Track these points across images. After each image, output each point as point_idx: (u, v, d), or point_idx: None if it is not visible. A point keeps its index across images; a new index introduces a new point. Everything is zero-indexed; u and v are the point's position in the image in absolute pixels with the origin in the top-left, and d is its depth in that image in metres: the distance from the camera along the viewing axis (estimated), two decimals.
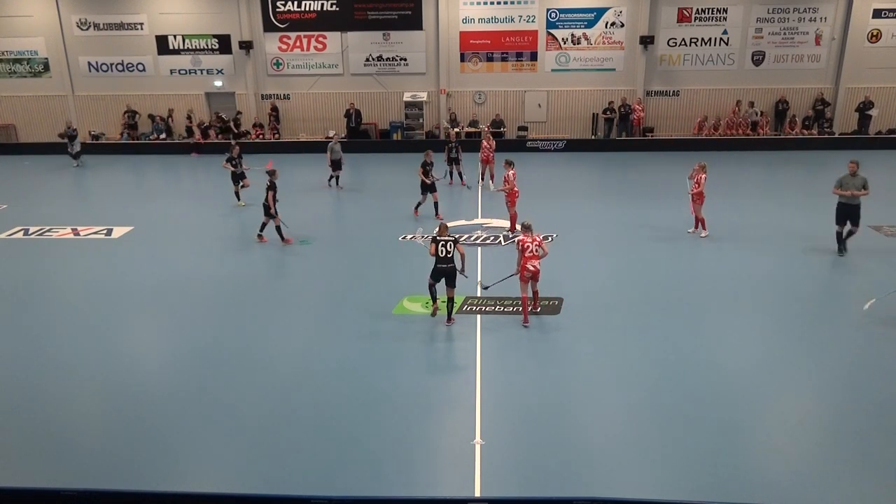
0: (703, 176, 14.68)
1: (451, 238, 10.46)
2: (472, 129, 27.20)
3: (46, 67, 28.34)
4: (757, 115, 26.78)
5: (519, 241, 10.54)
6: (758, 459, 7.26)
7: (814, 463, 7.28)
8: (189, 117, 27.76)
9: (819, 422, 8.13)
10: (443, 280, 10.47)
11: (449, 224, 15.39)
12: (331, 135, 27.69)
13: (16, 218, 17.53)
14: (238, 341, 10.22)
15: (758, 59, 26.89)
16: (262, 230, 14.80)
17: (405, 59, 27.72)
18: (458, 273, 10.43)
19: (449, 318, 10.74)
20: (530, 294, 10.72)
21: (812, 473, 7.06)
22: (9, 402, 8.60)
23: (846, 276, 12.45)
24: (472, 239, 14.99)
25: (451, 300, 10.62)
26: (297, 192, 20.39)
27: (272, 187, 14.35)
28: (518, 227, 13.62)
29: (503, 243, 14.68)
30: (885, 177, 21.79)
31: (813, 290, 11.87)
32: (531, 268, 10.24)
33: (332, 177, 20.29)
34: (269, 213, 14.43)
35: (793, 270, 12.80)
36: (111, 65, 28.28)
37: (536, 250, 10.35)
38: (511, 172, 15.21)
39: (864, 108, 26.10)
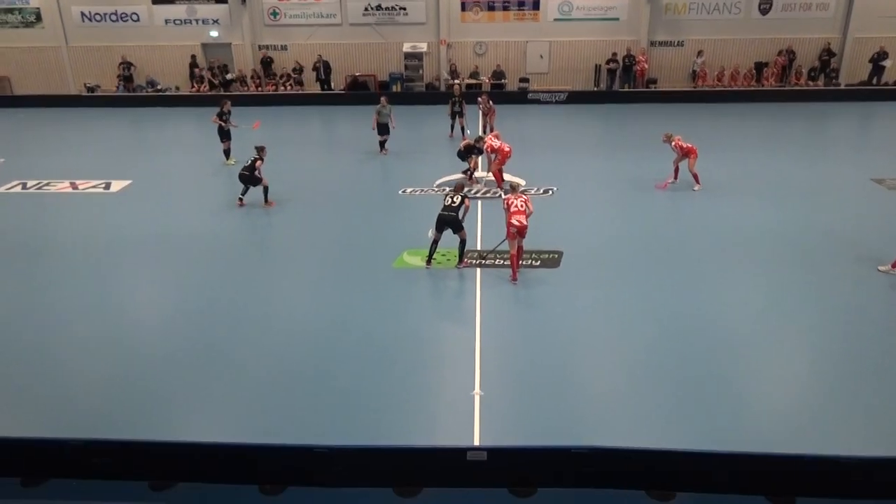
0: (677, 139, 14.68)
1: (461, 194, 10.92)
2: (473, 81, 26.79)
3: (38, 17, 27.80)
4: (697, 64, 26.66)
5: (505, 199, 10.63)
6: (756, 409, 7.35)
7: (813, 412, 7.36)
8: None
9: (818, 371, 8.20)
10: (448, 229, 10.76)
11: (451, 177, 15.43)
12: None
13: (13, 171, 17.41)
14: (238, 295, 10.24)
15: (765, 8, 26.29)
16: (266, 196, 14.25)
17: (404, 9, 27.12)
18: (460, 221, 10.72)
19: (461, 261, 10.99)
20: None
21: (811, 423, 7.14)
22: (9, 355, 8.65)
23: (847, 226, 12.40)
24: (473, 192, 14.90)
25: (463, 242, 10.95)
26: (293, 146, 20.25)
27: (261, 160, 14.05)
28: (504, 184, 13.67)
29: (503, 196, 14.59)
30: (890, 129, 21.59)
31: (813, 241, 11.83)
32: (516, 223, 10.18)
33: (381, 142, 18.59)
34: (256, 180, 14.02)
35: (794, 222, 12.74)
36: (105, 14, 27.72)
37: (521, 206, 10.32)
38: (497, 144, 14.94)
39: (878, 59, 25.62)
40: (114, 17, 27.75)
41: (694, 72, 26.94)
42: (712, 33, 26.71)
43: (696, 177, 14.71)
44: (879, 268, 10.48)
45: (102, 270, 11.31)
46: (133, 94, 27.68)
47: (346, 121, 24.41)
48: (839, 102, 25.18)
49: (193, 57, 27.74)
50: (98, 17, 27.77)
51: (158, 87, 27.72)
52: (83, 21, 27.79)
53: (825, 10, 26.20)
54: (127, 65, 27.62)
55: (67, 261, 11.77)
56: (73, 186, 16.15)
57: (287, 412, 7.36)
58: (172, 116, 25.48)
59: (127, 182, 16.29)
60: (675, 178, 15.07)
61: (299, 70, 27.37)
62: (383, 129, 18.39)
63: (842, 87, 26.22)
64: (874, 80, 26.00)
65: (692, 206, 13.96)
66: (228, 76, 27.62)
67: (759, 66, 26.72)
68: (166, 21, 27.74)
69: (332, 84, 27.54)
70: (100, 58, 28.20)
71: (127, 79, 27.71)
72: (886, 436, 6.89)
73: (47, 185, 16.28)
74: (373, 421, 7.17)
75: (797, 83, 26.42)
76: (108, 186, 16.06)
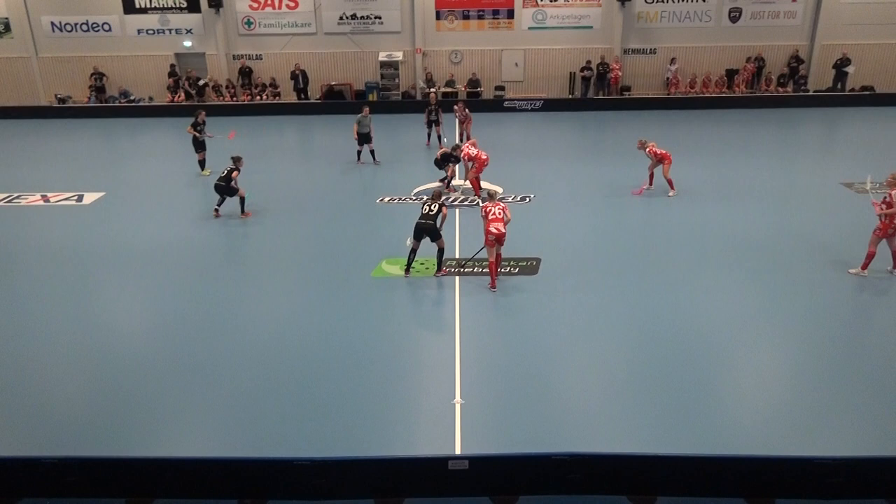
0: (651, 145, 14.87)
1: (438, 202, 10.93)
2: (449, 90, 26.87)
3: (7, 28, 27.34)
4: (671, 71, 27.04)
5: (482, 207, 10.73)
6: (733, 412, 7.45)
7: (790, 414, 7.47)
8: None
9: (794, 373, 8.32)
10: (426, 238, 10.77)
11: (428, 186, 15.46)
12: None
13: None
14: (215, 308, 10.14)
15: (734, 16, 26.75)
16: (243, 207, 14.14)
17: (379, 18, 27.15)
18: (438, 229, 10.75)
19: (439, 269, 11.00)
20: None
21: (788, 424, 7.25)
22: None
23: (818, 230, 12.62)
24: (451, 200, 14.92)
25: (441, 250, 10.96)
26: (269, 156, 20.14)
27: (237, 171, 13.90)
28: (482, 192, 13.75)
29: (481, 204, 14.64)
30: (858, 134, 22.04)
31: (786, 244, 12.02)
32: (494, 230, 10.24)
33: (359, 152, 18.38)
34: (232, 191, 13.92)
35: (767, 226, 12.93)
36: (76, 24, 27.35)
37: (499, 214, 10.38)
38: (474, 152, 15.02)
39: (840, 65, 26.18)
40: (85, 28, 27.41)
41: (667, 79, 27.30)
42: (684, 41, 27.10)
43: (670, 182, 14.88)
44: (850, 270, 10.69)
45: (76, 284, 11.13)
46: (105, 104, 27.32)
47: (323, 130, 24.33)
48: (808, 108, 25.65)
49: (173, 66, 27.56)
50: (69, 28, 27.40)
51: (131, 98, 27.41)
52: (53, 31, 27.41)
53: (793, 18, 26.73)
54: (99, 75, 27.28)
55: (40, 274, 11.58)
56: (45, 199, 15.88)
57: (266, 424, 7.30)
58: (146, 127, 25.18)
59: (100, 194, 16.06)
60: (651, 184, 15.24)
61: (275, 85, 27.27)
62: (364, 138, 18.17)
63: (810, 93, 26.72)
64: (838, 86, 26.54)
65: (667, 212, 14.11)
66: (201, 82, 27.42)
67: (731, 73, 27.16)
68: (139, 31, 27.46)
69: (309, 93, 27.45)
70: (71, 68, 27.81)
71: (99, 89, 27.36)
72: (863, 435, 7.02)
73: (18, 198, 15.98)
74: (354, 432, 7.14)
75: (767, 89, 26.89)
76: (80, 199, 15.83)
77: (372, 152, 18.35)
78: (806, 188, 15.64)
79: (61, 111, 27.14)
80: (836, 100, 26.08)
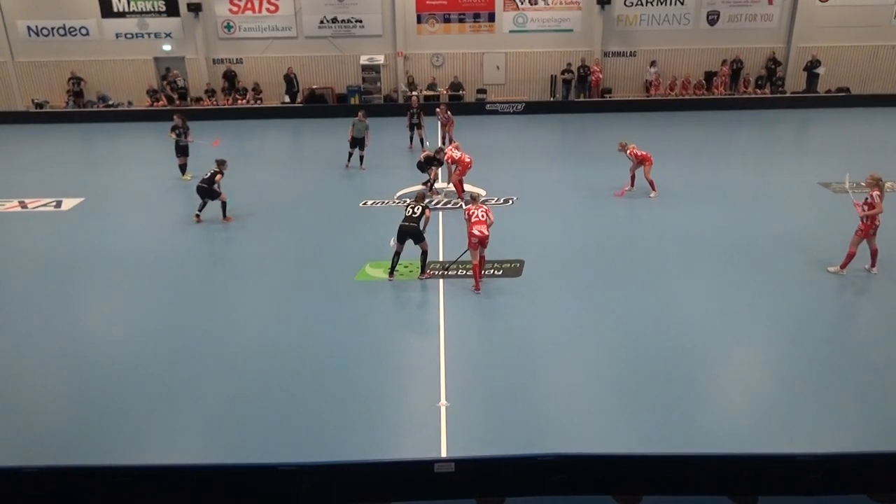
0: (632, 147, 14.98)
1: (422, 204, 10.96)
2: (431, 93, 26.89)
3: None
4: (651, 74, 27.28)
5: (465, 210, 10.75)
6: (717, 411, 7.53)
7: (772, 412, 7.53)
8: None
9: (775, 372, 8.41)
10: (410, 240, 10.75)
11: (411, 189, 15.45)
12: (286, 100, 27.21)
13: None
14: (198, 314, 10.05)
15: (712, 19, 27.07)
16: (224, 211, 14.01)
17: (360, 21, 27.13)
18: (421, 232, 10.76)
19: (423, 272, 11.00)
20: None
21: (770, 422, 7.31)
22: None
23: (797, 230, 12.78)
24: (434, 203, 14.93)
25: (424, 253, 10.95)
26: (252, 160, 20.04)
27: (221, 174, 13.78)
28: (464, 195, 13.78)
29: (464, 207, 14.65)
30: (834, 135, 22.36)
31: (767, 244, 12.15)
32: (477, 233, 10.26)
33: (350, 155, 18.22)
34: (214, 194, 13.77)
35: (747, 227, 13.07)
36: (52, 29, 27.04)
37: (482, 216, 10.41)
38: (457, 155, 15.08)
39: (811, 67, 26.57)
40: (62, 32, 27.10)
41: (647, 81, 27.54)
42: (663, 44, 27.36)
43: (651, 184, 15.00)
44: (829, 269, 10.83)
45: (55, 291, 10.97)
46: (83, 109, 27.03)
47: (305, 134, 24.26)
48: (785, 110, 26.00)
49: (168, 69, 27.39)
50: (45, 32, 27.07)
51: (110, 103, 27.13)
52: (30, 35, 27.06)
53: (770, 21, 27.09)
54: (76, 80, 26.98)
55: (18, 282, 11.41)
56: (23, 205, 15.65)
57: (251, 430, 7.24)
58: (125, 132, 24.92)
59: (79, 199, 15.86)
60: (632, 185, 15.35)
61: (259, 90, 27.16)
62: (356, 142, 17.97)
63: (787, 94, 27.07)
64: (811, 87, 26.88)
65: (649, 213, 14.22)
66: (180, 80, 27.25)
67: (709, 76, 27.45)
68: (117, 35, 27.20)
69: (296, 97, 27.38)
70: (48, 73, 27.49)
71: (77, 94, 27.07)
72: (842, 432, 7.11)
73: None
74: (339, 436, 7.11)
75: (745, 91, 27.20)
76: (59, 204, 15.61)
77: (361, 158, 18.19)
78: (785, 189, 15.83)
79: (39, 116, 26.81)
80: (812, 101, 26.47)
